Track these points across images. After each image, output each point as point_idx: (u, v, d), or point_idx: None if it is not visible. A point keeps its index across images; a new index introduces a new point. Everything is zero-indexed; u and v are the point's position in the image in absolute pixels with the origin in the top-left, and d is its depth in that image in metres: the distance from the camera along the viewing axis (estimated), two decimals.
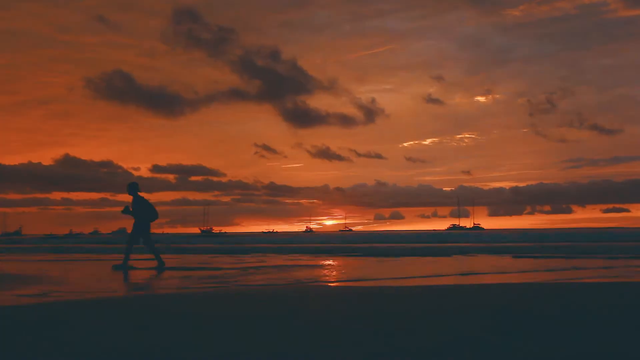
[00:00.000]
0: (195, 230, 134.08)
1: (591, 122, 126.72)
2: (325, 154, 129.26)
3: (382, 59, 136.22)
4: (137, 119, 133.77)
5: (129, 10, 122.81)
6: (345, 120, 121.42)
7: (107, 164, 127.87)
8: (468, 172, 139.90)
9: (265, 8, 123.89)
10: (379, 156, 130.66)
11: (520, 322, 6.09)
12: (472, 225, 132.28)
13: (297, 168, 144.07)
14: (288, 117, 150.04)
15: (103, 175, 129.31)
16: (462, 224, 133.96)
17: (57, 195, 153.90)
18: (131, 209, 15.47)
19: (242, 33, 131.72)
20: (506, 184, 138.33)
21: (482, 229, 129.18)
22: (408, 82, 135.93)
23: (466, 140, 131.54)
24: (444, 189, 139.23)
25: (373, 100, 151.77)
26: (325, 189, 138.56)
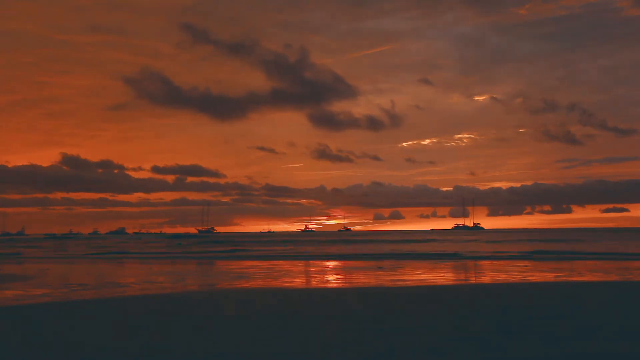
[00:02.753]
0: (193, 230, 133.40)
1: (589, 122, 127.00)
2: (325, 155, 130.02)
3: (381, 59, 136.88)
4: (137, 119, 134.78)
5: (128, 11, 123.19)
6: (345, 121, 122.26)
7: (106, 164, 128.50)
8: (472, 173, 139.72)
9: (265, 9, 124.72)
10: (377, 157, 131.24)
11: (521, 322, 6.10)
12: (471, 224, 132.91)
13: (297, 168, 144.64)
14: (287, 117, 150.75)
15: (102, 176, 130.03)
16: (464, 224, 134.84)
17: (57, 195, 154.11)
18: None
19: (244, 34, 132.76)
20: (503, 184, 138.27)
21: (482, 228, 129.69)
22: (407, 82, 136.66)
23: (465, 140, 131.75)
24: (442, 189, 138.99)
25: (372, 101, 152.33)
26: (324, 190, 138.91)
